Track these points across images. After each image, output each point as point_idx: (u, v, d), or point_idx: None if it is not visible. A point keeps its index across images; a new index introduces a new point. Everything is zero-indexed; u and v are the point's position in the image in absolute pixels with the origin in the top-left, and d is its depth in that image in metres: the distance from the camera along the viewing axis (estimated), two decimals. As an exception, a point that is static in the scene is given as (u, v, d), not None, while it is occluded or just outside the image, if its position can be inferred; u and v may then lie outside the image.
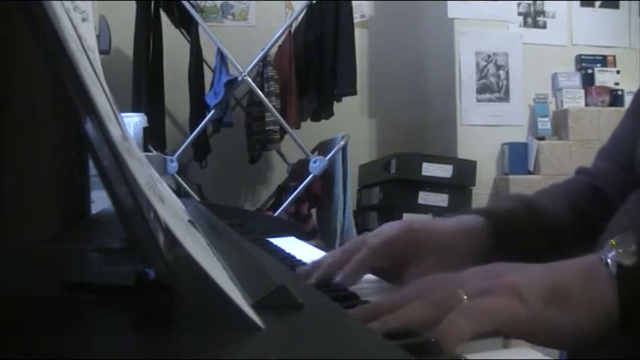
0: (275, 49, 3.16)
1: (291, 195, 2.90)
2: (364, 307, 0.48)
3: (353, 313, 0.46)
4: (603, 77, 3.75)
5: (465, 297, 0.44)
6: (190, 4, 2.88)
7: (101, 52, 2.42)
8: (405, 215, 3.17)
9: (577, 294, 0.45)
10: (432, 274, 0.63)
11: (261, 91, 2.95)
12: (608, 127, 3.56)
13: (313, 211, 3.22)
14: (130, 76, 2.97)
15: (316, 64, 3.09)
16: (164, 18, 3.18)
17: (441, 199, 3.24)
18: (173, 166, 2.84)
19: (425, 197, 3.24)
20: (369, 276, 0.67)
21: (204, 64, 3.23)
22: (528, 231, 0.70)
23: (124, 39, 3.16)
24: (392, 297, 0.48)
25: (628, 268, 0.46)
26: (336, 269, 0.64)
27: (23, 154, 0.57)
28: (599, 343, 0.46)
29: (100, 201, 0.91)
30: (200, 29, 3.02)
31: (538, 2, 3.76)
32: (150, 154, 2.64)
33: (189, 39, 3.19)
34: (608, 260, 0.47)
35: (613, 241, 0.48)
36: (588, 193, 0.78)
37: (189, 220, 0.54)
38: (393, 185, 3.27)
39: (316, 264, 0.67)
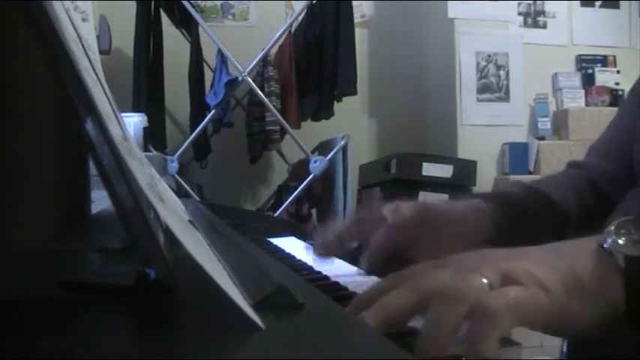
0: (275, 49, 3.16)
1: (291, 195, 2.90)
2: (359, 300, 0.44)
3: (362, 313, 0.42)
4: (603, 77, 3.75)
5: (487, 285, 0.40)
6: (190, 4, 2.88)
7: (101, 52, 2.42)
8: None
9: (591, 285, 0.43)
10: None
11: (261, 91, 2.94)
12: (608, 127, 3.56)
13: (313, 211, 3.22)
14: (130, 76, 2.97)
15: (316, 64, 3.09)
16: (164, 18, 3.18)
17: (441, 199, 3.24)
18: (173, 166, 2.84)
19: (425, 197, 3.23)
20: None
21: (204, 64, 3.23)
22: (531, 212, 0.71)
23: (124, 39, 3.16)
24: (393, 293, 0.42)
25: (635, 261, 0.44)
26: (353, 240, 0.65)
27: (23, 154, 0.57)
28: (603, 337, 0.45)
29: (100, 201, 0.91)
30: (200, 29, 3.02)
31: (538, 2, 3.76)
32: (150, 154, 2.64)
33: (189, 39, 3.19)
34: (612, 250, 0.45)
35: (612, 226, 0.46)
36: (590, 187, 0.79)
37: (189, 220, 0.54)
38: (393, 185, 3.27)
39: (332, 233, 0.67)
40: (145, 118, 2.25)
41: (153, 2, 3.05)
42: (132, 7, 3.03)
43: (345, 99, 3.23)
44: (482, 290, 0.39)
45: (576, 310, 0.42)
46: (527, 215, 0.70)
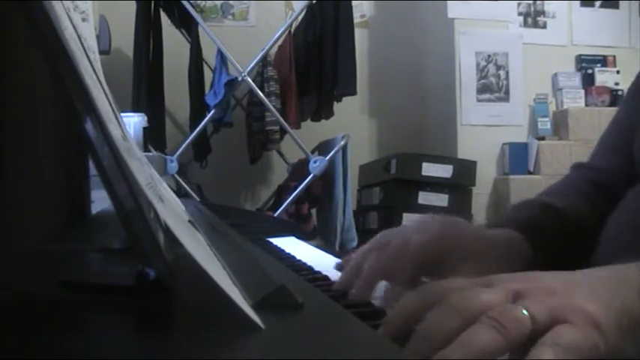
0: (275, 49, 3.16)
1: (291, 195, 2.89)
2: (393, 325, 0.40)
3: (382, 331, 0.39)
4: (603, 77, 3.75)
5: (530, 320, 0.36)
6: (190, 4, 2.88)
7: (101, 52, 2.41)
8: (405, 215, 3.17)
9: None
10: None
11: (261, 91, 2.94)
12: (608, 127, 3.56)
13: (313, 211, 3.22)
14: (130, 76, 2.97)
15: (316, 64, 3.09)
16: (164, 18, 3.18)
17: (440, 199, 3.24)
18: (173, 166, 2.83)
19: (425, 197, 3.23)
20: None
21: (204, 64, 3.23)
22: (558, 238, 0.70)
23: (124, 39, 3.16)
24: (436, 318, 0.38)
25: None
26: (381, 273, 0.58)
27: (23, 154, 0.57)
28: None
29: (100, 201, 0.91)
30: (200, 29, 3.02)
31: (538, 2, 3.76)
32: (150, 154, 2.64)
33: (189, 39, 3.19)
34: None
35: None
36: (593, 187, 0.78)
37: (189, 220, 0.54)
38: (393, 185, 3.27)
39: (355, 269, 0.59)
40: (145, 118, 2.25)
41: (153, 2, 3.05)
42: (132, 7, 3.03)
43: (345, 99, 3.23)
44: (526, 327, 0.36)
45: (628, 352, 0.38)
46: (553, 242, 0.68)
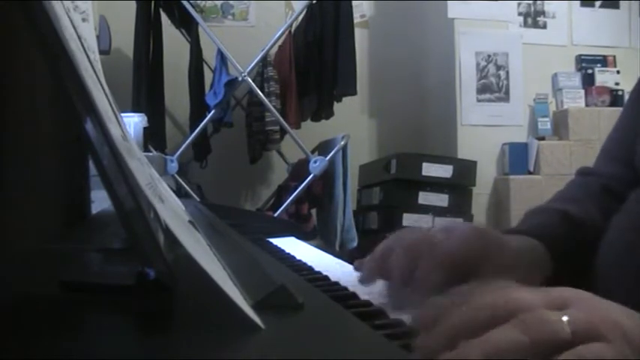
0: (275, 49, 3.16)
1: (291, 195, 2.89)
2: (424, 317, 0.38)
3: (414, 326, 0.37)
4: (603, 77, 3.75)
5: (569, 330, 0.35)
6: (190, 4, 2.88)
7: (101, 52, 2.41)
8: (405, 215, 3.17)
9: None
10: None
11: (261, 91, 2.94)
12: (608, 128, 3.52)
13: (313, 211, 3.22)
14: (130, 76, 2.97)
15: (316, 64, 3.09)
16: (164, 18, 3.18)
17: (441, 199, 3.24)
18: (173, 166, 2.83)
19: (425, 197, 3.23)
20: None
21: (204, 64, 3.23)
22: (575, 245, 0.70)
23: (124, 39, 3.16)
24: (464, 311, 0.36)
25: None
26: (404, 274, 0.56)
27: (23, 154, 0.57)
28: None
29: (100, 201, 0.91)
30: (200, 29, 3.02)
31: (538, 2, 3.76)
32: (150, 154, 2.64)
33: (189, 39, 3.19)
34: None
35: None
36: (605, 192, 0.78)
37: (189, 221, 0.54)
38: (393, 185, 3.27)
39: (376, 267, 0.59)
40: (145, 118, 2.25)
41: (153, 2, 3.05)
42: (132, 7, 3.03)
43: (345, 99, 3.23)
44: (556, 331, 0.34)
45: None
46: (570, 250, 0.68)
